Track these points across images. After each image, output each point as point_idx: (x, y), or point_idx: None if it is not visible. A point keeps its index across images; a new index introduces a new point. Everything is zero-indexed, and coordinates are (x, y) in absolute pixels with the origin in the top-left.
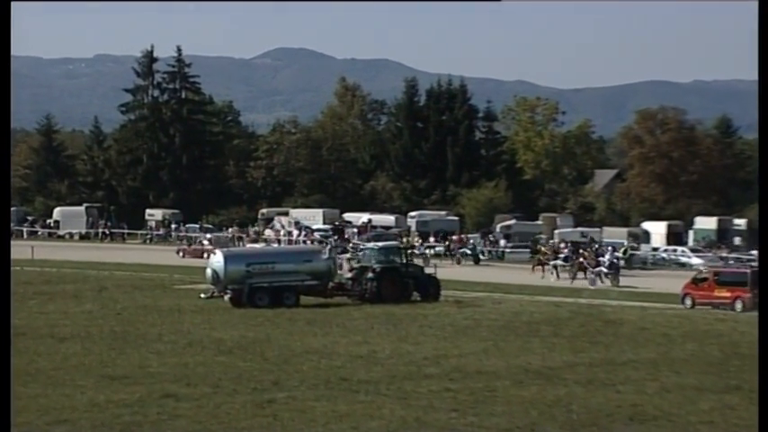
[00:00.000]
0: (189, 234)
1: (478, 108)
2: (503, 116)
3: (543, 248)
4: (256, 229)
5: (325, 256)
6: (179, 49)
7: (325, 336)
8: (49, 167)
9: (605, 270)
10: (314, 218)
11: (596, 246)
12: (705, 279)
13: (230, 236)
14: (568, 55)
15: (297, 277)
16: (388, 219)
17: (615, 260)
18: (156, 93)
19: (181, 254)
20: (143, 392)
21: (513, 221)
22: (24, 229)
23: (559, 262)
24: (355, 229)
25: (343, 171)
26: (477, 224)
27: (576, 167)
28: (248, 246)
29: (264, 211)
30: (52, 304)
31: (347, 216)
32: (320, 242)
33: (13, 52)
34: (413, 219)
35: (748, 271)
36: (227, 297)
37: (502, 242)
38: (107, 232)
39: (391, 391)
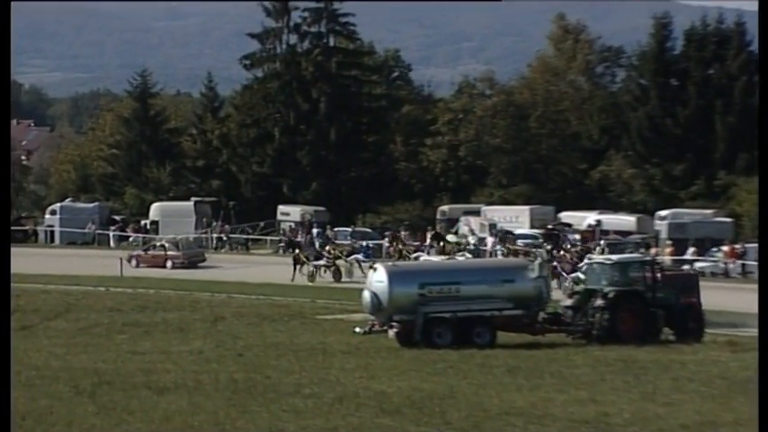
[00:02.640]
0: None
1: None
2: None
3: None
4: (437, 231)
5: (534, 274)
6: None
7: (533, 390)
8: (145, 146)
9: None
10: (517, 219)
11: None
12: None
13: (210, 234)
14: None
15: (492, 304)
16: (627, 220)
17: None
18: (294, 39)
19: (133, 262)
20: None
21: None
22: (111, 234)
23: None
24: (577, 236)
25: (559, 151)
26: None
27: None
28: (422, 259)
29: (446, 208)
30: (149, 341)
31: (565, 216)
32: (526, 254)
33: None
34: (663, 221)
35: None
36: (392, 332)
37: None
38: (224, 237)
39: None
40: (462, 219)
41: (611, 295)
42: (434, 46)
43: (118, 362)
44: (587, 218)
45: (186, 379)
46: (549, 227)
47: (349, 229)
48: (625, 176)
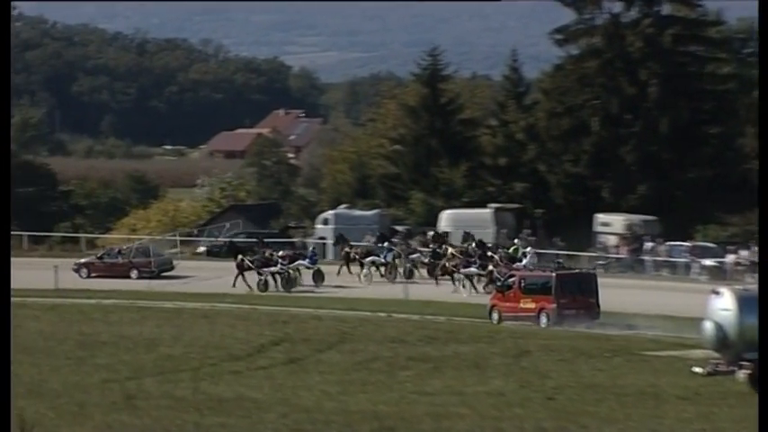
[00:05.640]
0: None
1: None
2: None
3: None
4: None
5: None
6: None
7: None
8: (435, 141)
9: None
10: None
11: None
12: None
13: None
14: None
15: None
16: None
17: None
18: (618, 7)
19: (84, 272)
20: None
21: None
22: (398, 249)
23: None
24: None
25: None
26: None
27: None
28: None
29: None
30: (438, 378)
31: None
32: None
33: None
34: None
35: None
36: (742, 374)
37: None
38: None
39: None
40: None
41: None
42: None
43: (402, 404)
44: None
45: (484, 427)
46: None
47: (687, 244)
48: None
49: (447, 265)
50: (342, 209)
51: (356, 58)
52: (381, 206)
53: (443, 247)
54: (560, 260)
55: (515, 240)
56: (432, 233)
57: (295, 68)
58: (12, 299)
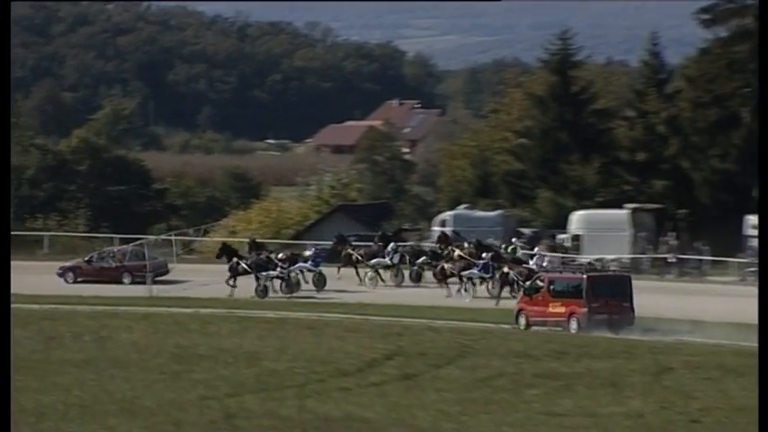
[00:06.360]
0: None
1: None
2: None
3: None
4: None
5: None
6: None
7: None
8: (565, 134)
9: None
10: None
11: None
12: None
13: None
14: None
15: None
16: None
17: None
18: None
19: (70, 276)
20: None
21: None
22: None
23: None
24: None
25: None
26: None
27: None
28: None
29: None
30: (569, 398)
31: None
32: None
33: None
34: None
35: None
36: None
37: None
38: (671, 259)
39: None
40: None
41: None
42: None
43: (528, 425)
44: None
45: None
46: None
47: None
48: None
49: (445, 267)
50: (461, 209)
51: (478, 42)
52: (505, 206)
53: (449, 248)
54: (591, 261)
55: (513, 240)
56: (438, 234)
57: (410, 54)
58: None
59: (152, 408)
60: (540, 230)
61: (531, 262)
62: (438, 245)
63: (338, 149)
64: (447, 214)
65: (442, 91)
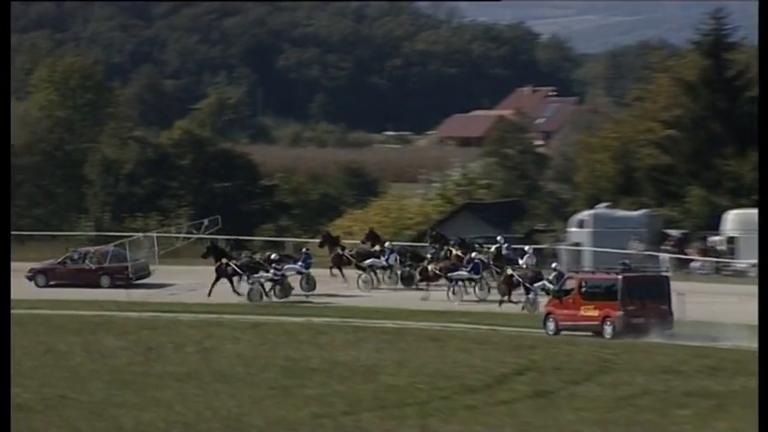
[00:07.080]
0: None
1: None
2: None
3: None
4: None
5: None
6: None
7: None
8: (719, 125)
9: None
10: None
11: None
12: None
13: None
14: None
15: None
16: None
17: None
18: None
19: (41, 279)
20: None
21: None
22: (661, 255)
23: None
24: None
25: None
26: None
27: None
28: None
29: None
30: (723, 420)
31: None
32: None
33: None
34: None
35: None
36: None
37: None
38: None
39: None
40: None
41: None
42: None
43: None
44: None
45: None
46: None
47: None
48: None
49: (430, 268)
50: (601, 208)
51: (619, 22)
52: (650, 205)
53: (445, 248)
54: (626, 260)
55: (498, 238)
56: (433, 233)
57: (544, 36)
58: (204, 315)
59: (260, 426)
60: (690, 232)
61: (521, 261)
62: (432, 244)
63: (464, 142)
64: (585, 214)
65: (579, 77)
